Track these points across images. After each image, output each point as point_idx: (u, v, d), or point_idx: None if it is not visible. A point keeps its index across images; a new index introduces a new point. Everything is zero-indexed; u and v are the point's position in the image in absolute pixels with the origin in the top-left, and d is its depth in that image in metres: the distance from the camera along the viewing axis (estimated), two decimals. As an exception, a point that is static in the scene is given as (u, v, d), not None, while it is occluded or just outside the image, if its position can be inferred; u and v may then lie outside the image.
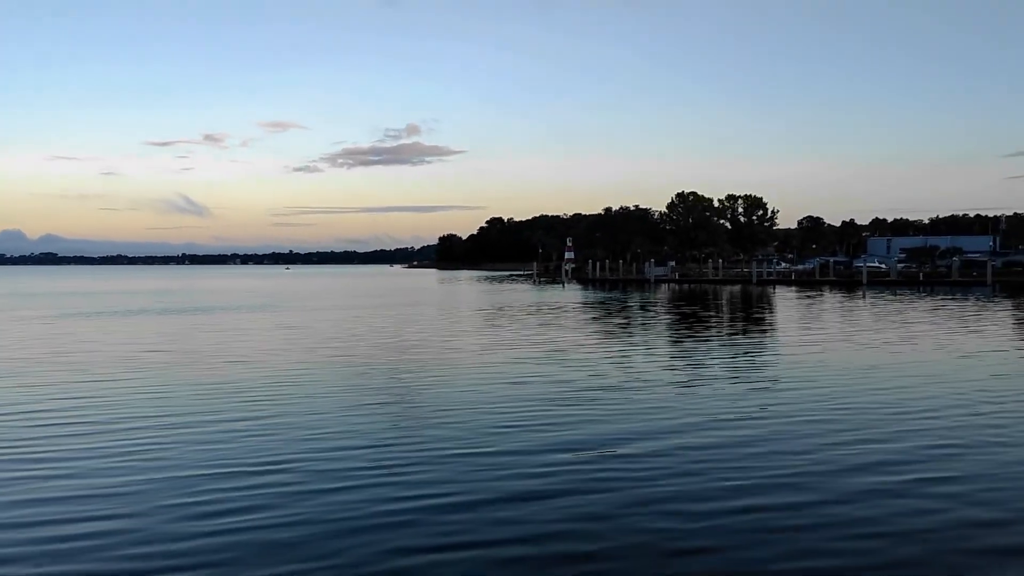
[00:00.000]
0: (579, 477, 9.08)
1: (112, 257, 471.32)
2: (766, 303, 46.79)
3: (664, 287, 75.39)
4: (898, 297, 51.18)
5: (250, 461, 9.85)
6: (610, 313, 38.24)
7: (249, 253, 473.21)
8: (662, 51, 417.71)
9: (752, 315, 37.32)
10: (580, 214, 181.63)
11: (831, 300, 48.85)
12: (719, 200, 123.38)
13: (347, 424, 12.10)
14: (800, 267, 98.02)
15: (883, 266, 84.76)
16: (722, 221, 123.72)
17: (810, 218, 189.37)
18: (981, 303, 43.15)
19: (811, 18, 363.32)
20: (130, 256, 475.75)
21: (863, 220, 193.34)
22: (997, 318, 32.48)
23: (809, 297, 52.83)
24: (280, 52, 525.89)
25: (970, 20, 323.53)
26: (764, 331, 28.27)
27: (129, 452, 10.34)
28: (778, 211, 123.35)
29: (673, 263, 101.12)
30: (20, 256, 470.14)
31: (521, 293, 63.57)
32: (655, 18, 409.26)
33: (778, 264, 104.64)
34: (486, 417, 12.56)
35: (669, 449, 10.38)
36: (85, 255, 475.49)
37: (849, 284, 71.97)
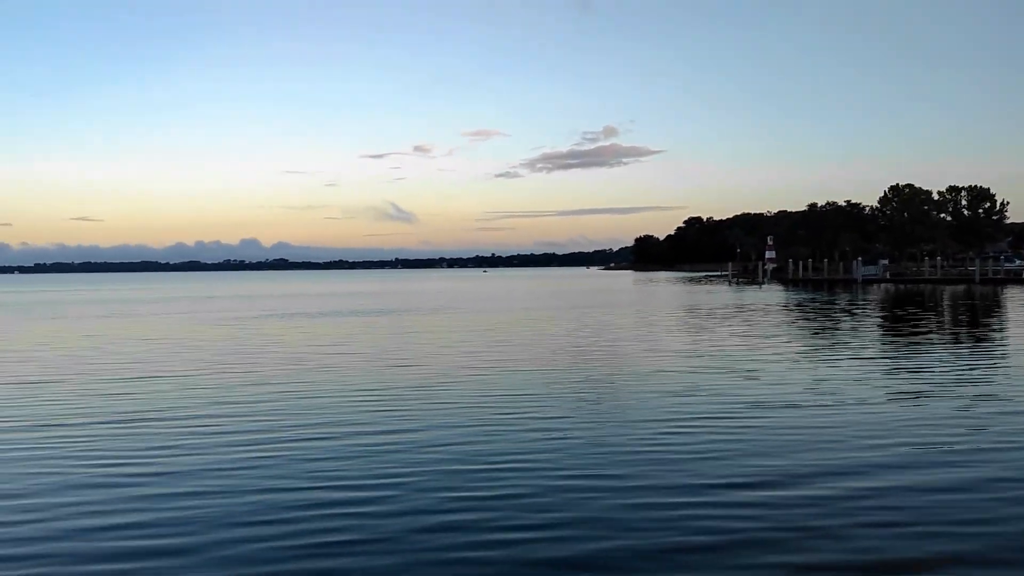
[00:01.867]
0: (768, 524, 7.42)
1: (334, 262, 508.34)
2: (991, 305, 43.03)
3: (874, 288, 70.96)
4: None
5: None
6: (805, 316, 36.66)
7: (454, 257, 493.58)
8: (872, 42, 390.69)
9: (971, 319, 34.53)
10: (784, 212, 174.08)
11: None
12: (939, 192, 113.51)
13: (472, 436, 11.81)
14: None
15: None
16: (943, 215, 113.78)
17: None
18: None
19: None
20: (350, 261, 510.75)
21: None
22: None
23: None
24: (481, 63, 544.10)
25: None
26: (983, 339, 25.40)
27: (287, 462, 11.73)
28: (1008, 203, 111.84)
29: (885, 262, 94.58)
30: (256, 262, 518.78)
31: (714, 294, 62.33)
32: (859, 8, 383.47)
33: (1012, 261, 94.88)
34: (653, 440, 10.89)
35: (874, 491, 8.33)
36: (311, 260, 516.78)
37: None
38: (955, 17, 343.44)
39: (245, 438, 11.09)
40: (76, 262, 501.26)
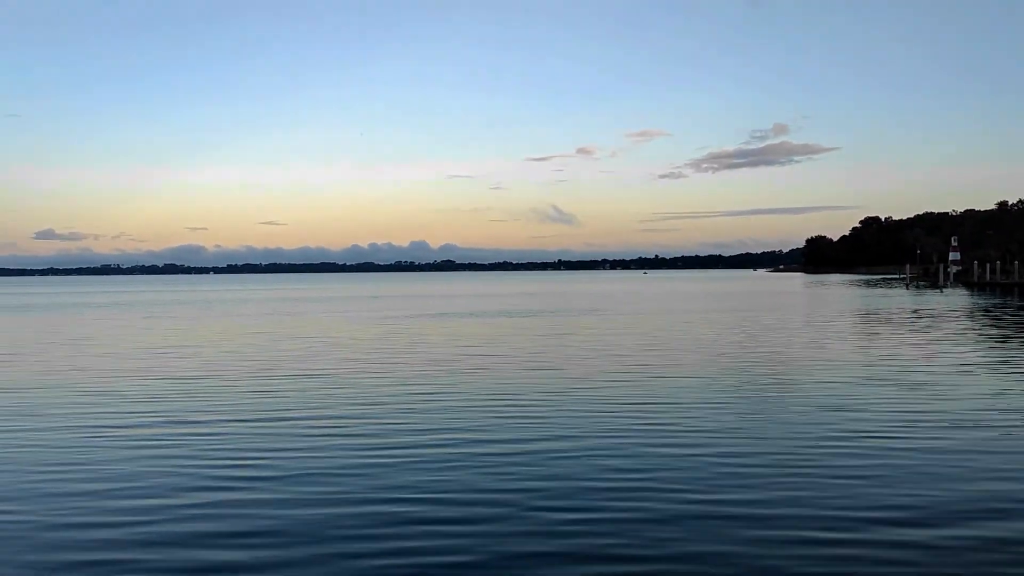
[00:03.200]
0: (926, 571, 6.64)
1: (499, 264, 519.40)
2: None
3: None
4: None
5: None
6: (990, 323, 33.73)
7: (617, 259, 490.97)
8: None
9: None
10: (971, 211, 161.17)
11: None
12: None
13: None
14: None
15: None
16: None
17: None
18: None
19: None
20: (514, 263, 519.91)
21: None
22: None
23: None
24: (645, 63, 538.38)
25: None
26: None
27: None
28: None
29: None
30: (425, 263, 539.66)
31: (890, 298, 58.60)
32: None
33: None
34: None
35: None
36: (477, 262, 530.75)
37: None
38: None
39: (368, 442, 11.35)
40: (263, 263, 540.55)
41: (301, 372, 19.29)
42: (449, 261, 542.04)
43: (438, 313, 45.98)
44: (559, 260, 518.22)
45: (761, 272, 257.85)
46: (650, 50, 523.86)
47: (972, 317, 36.89)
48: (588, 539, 7.33)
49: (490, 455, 10.50)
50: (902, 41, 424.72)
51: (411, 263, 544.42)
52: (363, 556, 7.01)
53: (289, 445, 11.29)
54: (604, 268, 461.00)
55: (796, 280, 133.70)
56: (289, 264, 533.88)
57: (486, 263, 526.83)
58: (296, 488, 9.07)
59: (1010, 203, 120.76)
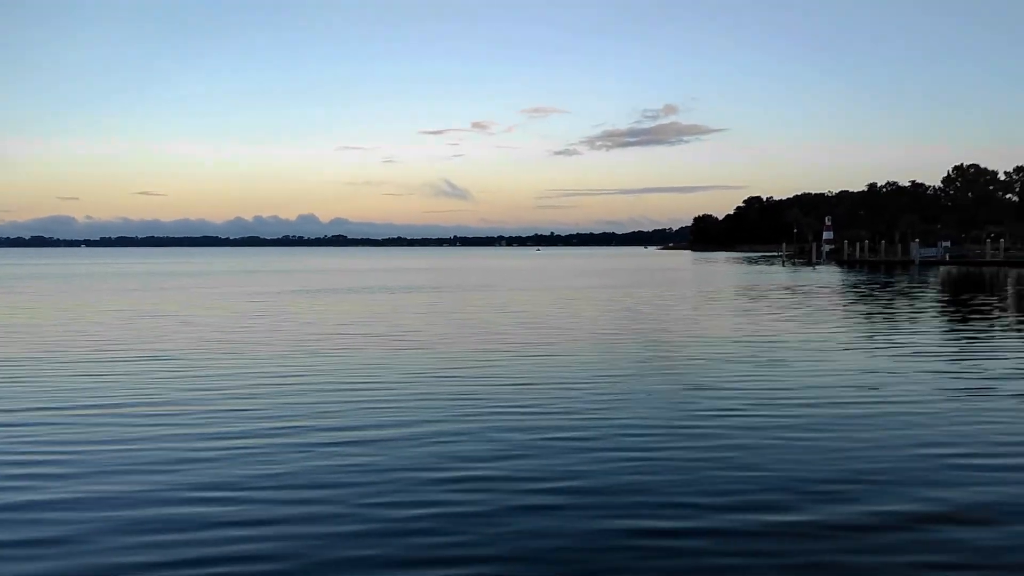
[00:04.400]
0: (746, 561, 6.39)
1: (393, 239, 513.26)
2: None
3: (932, 270, 68.18)
4: None
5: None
6: (852, 299, 35.17)
7: (513, 235, 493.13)
8: (937, 18, 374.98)
9: (1011, 303, 32.66)
10: (847, 192, 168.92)
11: None
12: (1005, 172, 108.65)
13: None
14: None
15: None
16: (1009, 196, 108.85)
17: None
18: None
19: None
20: (408, 238, 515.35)
21: None
22: None
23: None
24: (541, 40, 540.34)
25: None
26: (1008, 322, 24.58)
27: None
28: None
29: (947, 243, 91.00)
30: (315, 238, 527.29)
31: (766, 275, 60.50)
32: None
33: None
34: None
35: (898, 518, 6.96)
36: (370, 237, 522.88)
37: None
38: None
39: (195, 431, 10.25)
40: (140, 236, 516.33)
41: (146, 354, 17.79)
42: (340, 236, 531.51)
43: (318, 289, 44.38)
44: (455, 236, 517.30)
45: (652, 249, 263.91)
46: (546, 27, 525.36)
47: (840, 293, 38.23)
48: (420, 538, 6.62)
49: (325, 445, 9.59)
50: (786, 27, 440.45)
51: (300, 238, 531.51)
52: (136, 570, 6.07)
53: (105, 437, 10.08)
54: (500, 244, 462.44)
55: (684, 257, 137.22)
56: (168, 237, 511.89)
57: (379, 238, 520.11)
58: (93, 487, 7.97)
59: (879, 185, 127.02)
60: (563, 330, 22.24)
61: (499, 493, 7.74)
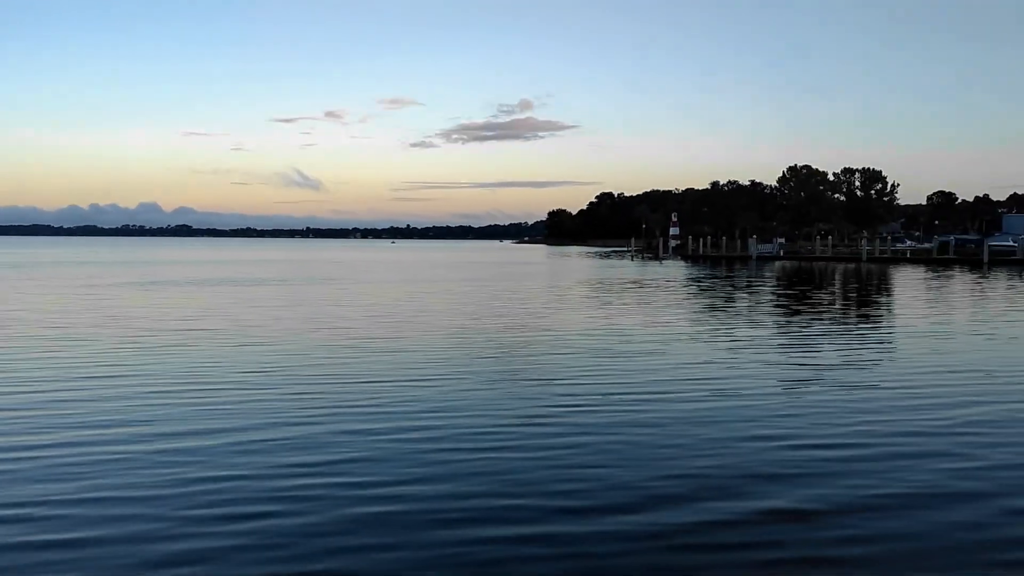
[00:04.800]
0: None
1: (242, 230, 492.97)
2: (868, 282, 43.79)
3: (767, 264, 72.21)
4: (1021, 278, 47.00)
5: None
6: (691, 292, 36.67)
7: (369, 227, 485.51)
8: (774, 25, 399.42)
9: (849, 295, 34.93)
10: (693, 189, 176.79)
11: (938, 281, 45.27)
12: (834, 173, 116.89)
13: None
14: (922, 245, 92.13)
15: (1013, 244, 78.39)
16: (837, 196, 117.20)
17: (941, 193, 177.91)
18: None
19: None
20: (258, 229, 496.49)
21: (1000, 196, 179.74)
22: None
23: (920, 278, 49.19)
24: (398, 30, 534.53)
25: None
26: (856, 315, 26.16)
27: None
28: (899, 185, 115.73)
29: (782, 240, 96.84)
30: (157, 228, 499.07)
31: (615, 269, 62.13)
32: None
33: (904, 241, 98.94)
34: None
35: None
36: (216, 228, 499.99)
37: (971, 263, 66.93)
38: (844, 8, 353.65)
39: None
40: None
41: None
42: (185, 226, 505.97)
43: (156, 282, 41.72)
44: (307, 228, 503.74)
45: (507, 243, 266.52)
46: (403, 17, 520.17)
47: (683, 287, 39.65)
48: (240, 554, 5.96)
49: (145, 454, 8.70)
50: (638, 25, 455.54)
51: (141, 227, 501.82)
52: None
53: None
54: (355, 236, 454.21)
55: (538, 251, 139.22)
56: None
57: (227, 229, 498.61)
58: None
59: (720, 183, 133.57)
60: (412, 324, 21.72)
61: (328, 501, 7.19)
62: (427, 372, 14.01)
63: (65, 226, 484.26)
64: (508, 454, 8.80)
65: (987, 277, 48.86)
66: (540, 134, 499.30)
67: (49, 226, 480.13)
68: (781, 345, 18.04)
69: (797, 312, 26.22)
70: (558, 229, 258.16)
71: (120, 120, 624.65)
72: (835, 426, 10.18)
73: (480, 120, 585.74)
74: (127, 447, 8.96)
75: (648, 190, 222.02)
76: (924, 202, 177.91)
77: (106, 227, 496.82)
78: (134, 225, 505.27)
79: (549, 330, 20.68)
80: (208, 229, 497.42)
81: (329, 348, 16.94)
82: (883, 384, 13.16)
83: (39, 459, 8.47)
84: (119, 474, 7.97)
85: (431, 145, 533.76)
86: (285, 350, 16.69)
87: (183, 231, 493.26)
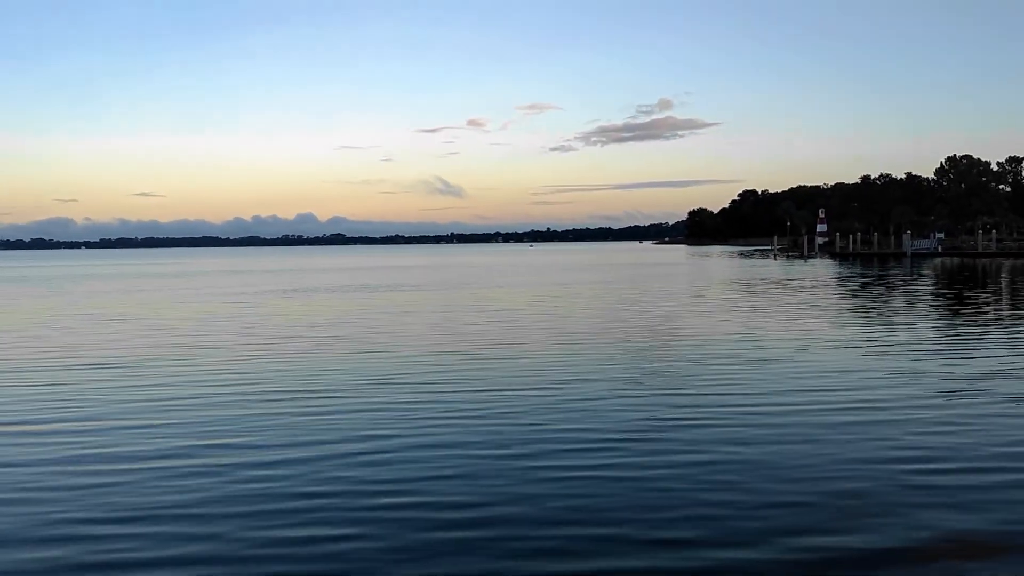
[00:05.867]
0: None
1: (391, 237, 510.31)
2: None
3: (924, 262, 67.48)
4: None
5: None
6: (840, 292, 34.53)
7: (510, 232, 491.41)
8: (929, 11, 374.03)
9: (1002, 295, 31.94)
10: (842, 184, 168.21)
11: None
12: (998, 163, 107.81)
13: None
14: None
15: None
16: (1002, 187, 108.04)
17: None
18: None
19: None
20: (406, 236, 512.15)
21: None
22: None
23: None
24: (534, 36, 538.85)
25: None
26: (998, 316, 23.86)
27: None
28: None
29: (941, 235, 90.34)
30: (313, 237, 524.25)
31: (758, 268, 59.75)
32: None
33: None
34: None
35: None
36: (368, 235, 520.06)
37: None
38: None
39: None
40: (139, 237, 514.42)
41: (91, 360, 16.92)
42: (339, 235, 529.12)
43: (303, 288, 43.61)
44: (451, 233, 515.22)
45: (647, 244, 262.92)
46: (539, 24, 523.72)
47: (828, 287, 37.51)
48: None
49: (251, 467, 8.80)
50: (779, 20, 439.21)
51: (299, 237, 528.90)
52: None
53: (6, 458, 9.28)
54: (497, 241, 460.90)
55: (679, 252, 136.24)
56: (167, 238, 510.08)
57: (377, 236, 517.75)
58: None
59: (872, 177, 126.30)
60: (540, 329, 21.42)
61: (408, 524, 6.91)
62: (540, 379, 13.64)
63: (231, 237, 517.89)
64: (614, 472, 8.27)
65: None
66: (680, 133, 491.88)
67: (217, 238, 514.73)
68: (933, 351, 16.50)
69: (954, 314, 24.12)
70: (699, 228, 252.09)
71: (280, 137, 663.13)
72: (991, 446, 9.05)
73: (619, 121, 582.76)
74: (226, 459, 9.04)
75: (793, 186, 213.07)
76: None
77: (267, 237, 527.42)
78: (292, 235, 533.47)
79: (679, 335, 19.85)
80: (360, 237, 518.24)
81: (449, 355, 16.88)
82: (1051, 397, 11.69)
83: (134, 472, 8.65)
84: (214, 487, 8.02)
85: (570, 148, 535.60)
86: (402, 357, 16.74)
87: (337, 239, 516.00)
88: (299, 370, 15.32)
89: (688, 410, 11.11)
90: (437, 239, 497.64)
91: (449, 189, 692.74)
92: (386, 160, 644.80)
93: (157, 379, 14.49)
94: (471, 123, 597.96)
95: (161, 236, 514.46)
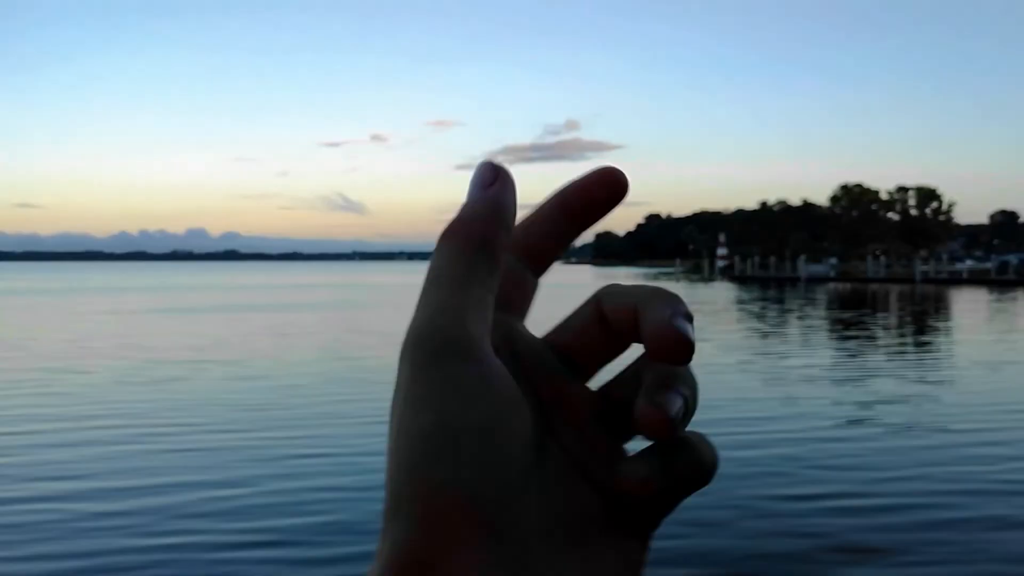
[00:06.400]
0: None
1: (289, 254, 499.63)
2: (916, 306, 40.71)
3: (818, 286, 69.03)
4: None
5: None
6: (740, 320, 34.17)
7: (415, 250, 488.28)
8: (822, 44, 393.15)
9: (883, 319, 32.11)
10: (742, 210, 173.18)
11: (989, 302, 42.02)
12: (888, 192, 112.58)
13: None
14: (983, 266, 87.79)
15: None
16: (891, 215, 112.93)
17: (1003, 212, 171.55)
18: None
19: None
20: (304, 253, 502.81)
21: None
22: None
23: (975, 300, 45.87)
24: (443, 51, 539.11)
25: None
26: (878, 340, 23.54)
27: None
28: (955, 204, 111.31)
29: (834, 261, 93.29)
30: (205, 253, 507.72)
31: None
32: (816, 8, 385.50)
33: (963, 262, 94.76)
34: None
35: None
36: (263, 252, 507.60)
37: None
38: (901, 23, 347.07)
39: None
40: (17, 251, 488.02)
41: None
42: (233, 251, 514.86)
43: (181, 308, 40.76)
44: (354, 251, 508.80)
45: (554, 265, 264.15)
46: (447, 39, 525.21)
47: (727, 310, 37.28)
48: None
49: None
50: (685, 45, 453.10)
51: (189, 252, 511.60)
52: None
53: None
54: (402, 259, 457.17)
55: (586, 273, 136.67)
56: (49, 252, 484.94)
57: (274, 253, 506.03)
58: None
59: (770, 203, 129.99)
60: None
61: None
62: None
63: (116, 252, 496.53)
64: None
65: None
66: (587, 154, 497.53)
67: (101, 252, 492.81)
68: (820, 378, 15.67)
69: (842, 339, 23.71)
70: (606, 250, 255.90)
71: (170, 148, 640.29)
72: (878, 481, 7.87)
73: (526, 141, 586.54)
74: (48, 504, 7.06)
75: (697, 211, 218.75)
76: (986, 221, 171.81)
77: (154, 252, 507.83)
78: (182, 250, 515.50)
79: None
80: (255, 253, 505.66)
81: (336, 384, 15.05)
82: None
83: None
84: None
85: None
86: (281, 387, 14.85)
87: (231, 255, 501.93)
88: (157, 401, 13.22)
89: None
90: (338, 257, 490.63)
91: (350, 205, 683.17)
92: (284, 174, 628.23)
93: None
94: (374, 138, 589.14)
95: (42, 250, 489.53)
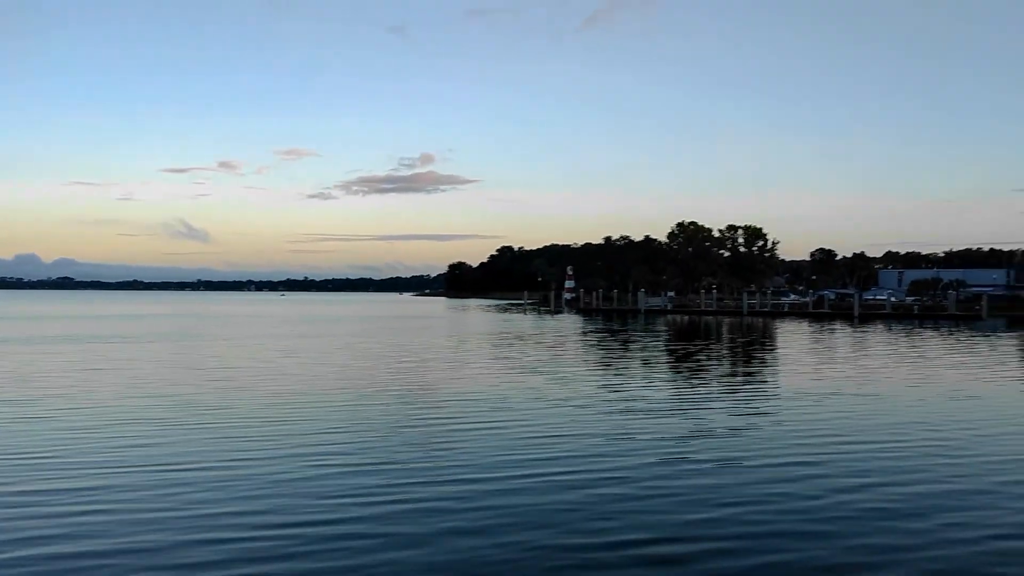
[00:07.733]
0: None
1: (128, 282, 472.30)
2: (740, 335, 44.09)
3: (657, 318, 72.79)
4: (888, 331, 48.48)
5: None
6: (579, 349, 35.75)
7: (264, 280, 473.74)
8: (667, 83, 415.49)
9: (699, 348, 34.76)
10: (590, 244, 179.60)
11: (807, 333, 46.11)
12: (719, 230, 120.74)
13: None
14: (804, 299, 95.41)
15: (890, 298, 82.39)
16: (722, 251, 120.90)
17: (822, 250, 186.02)
18: (957, 336, 40.34)
19: (822, 46, 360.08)
20: (145, 281, 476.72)
21: (876, 253, 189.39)
22: (954, 348, 29.76)
23: (793, 331, 50.06)
24: (295, 80, 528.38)
25: (985, 57, 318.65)
26: (687, 366, 25.66)
27: None
28: (778, 242, 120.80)
29: (671, 294, 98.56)
30: (37, 280, 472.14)
31: (510, 323, 61.16)
32: (661, 51, 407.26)
33: (787, 295, 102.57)
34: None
35: None
36: (101, 280, 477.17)
37: (844, 317, 69.40)
38: (746, 70, 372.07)
39: None
40: None
41: None
42: (67, 278, 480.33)
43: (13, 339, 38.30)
44: (199, 280, 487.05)
45: (407, 296, 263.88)
46: (301, 68, 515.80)
47: (569, 341, 38.92)
48: None
49: None
50: (535, 80, 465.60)
51: (18, 280, 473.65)
52: None
53: None
54: (250, 289, 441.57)
55: (439, 304, 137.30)
56: None
57: (112, 281, 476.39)
58: None
59: (614, 238, 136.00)
60: (256, 391, 19.89)
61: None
62: (217, 456, 12.34)
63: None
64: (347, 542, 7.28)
65: (861, 328, 50.25)
66: (442, 188, 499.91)
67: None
68: (648, 409, 17.09)
69: (674, 371, 25.59)
70: (459, 282, 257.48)
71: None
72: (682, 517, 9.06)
73: (381, 172, 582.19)
74: None
75: (547, 244, 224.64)
76: (808, 258, 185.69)
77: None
78: (10, 278, 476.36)
79: (425, 392, 19.21)
80: (92, 281, 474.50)
81: (134, 426, 15.02)
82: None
83: None
84: None
85: (330, 197, 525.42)
86: (83, 428, 14.69)
87: (65, 283, 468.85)
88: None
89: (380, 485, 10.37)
90: (182, 285, 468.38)
91: (193, 233, 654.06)
92: (125, 199, 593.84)
93: None
94: (223, 165, 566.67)
95: None
